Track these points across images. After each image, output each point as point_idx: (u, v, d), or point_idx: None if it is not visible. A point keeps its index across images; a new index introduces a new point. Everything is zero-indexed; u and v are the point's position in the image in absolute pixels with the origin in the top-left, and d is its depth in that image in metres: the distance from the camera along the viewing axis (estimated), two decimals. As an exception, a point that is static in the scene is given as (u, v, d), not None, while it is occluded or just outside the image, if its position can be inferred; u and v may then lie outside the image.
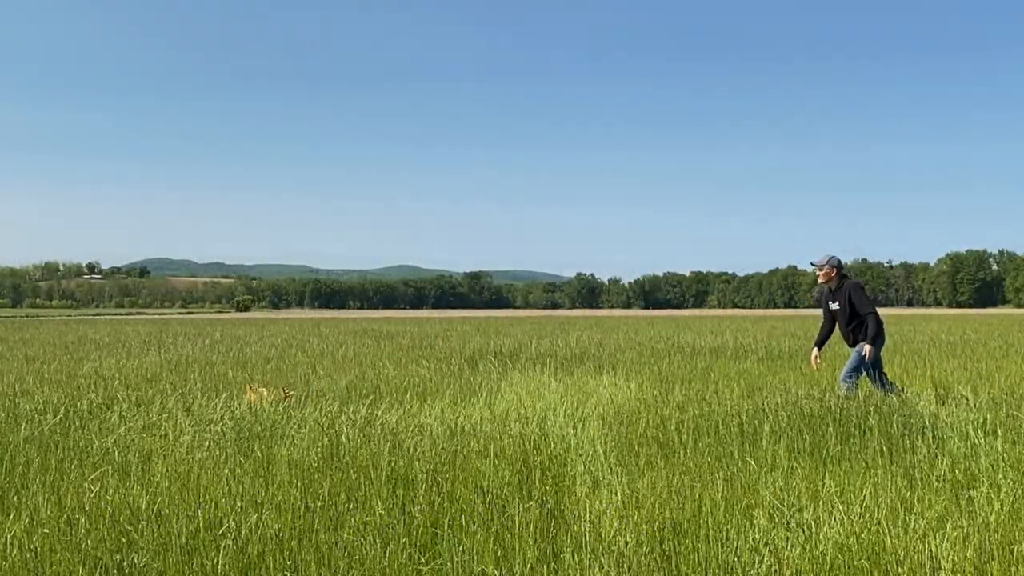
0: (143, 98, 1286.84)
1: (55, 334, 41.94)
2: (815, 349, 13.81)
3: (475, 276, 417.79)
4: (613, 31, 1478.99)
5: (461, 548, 5.73)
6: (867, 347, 12.74)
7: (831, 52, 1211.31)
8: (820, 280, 13.39)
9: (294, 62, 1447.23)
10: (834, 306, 13.23)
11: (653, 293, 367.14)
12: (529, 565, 5.39)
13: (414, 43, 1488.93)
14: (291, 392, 13.46)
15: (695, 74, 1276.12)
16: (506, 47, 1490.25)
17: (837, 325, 13.36)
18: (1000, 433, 9.23)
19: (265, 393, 13.19)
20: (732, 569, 5.38)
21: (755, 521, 6.32)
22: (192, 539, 5.85)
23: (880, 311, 13.12)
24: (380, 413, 11.52)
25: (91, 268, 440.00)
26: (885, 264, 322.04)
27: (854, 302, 12.92)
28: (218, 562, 5.37)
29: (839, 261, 13.26)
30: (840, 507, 6.60)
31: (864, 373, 12.86)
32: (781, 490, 7.25)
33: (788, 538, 5.99)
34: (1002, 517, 6.30)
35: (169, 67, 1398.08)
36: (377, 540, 5.80)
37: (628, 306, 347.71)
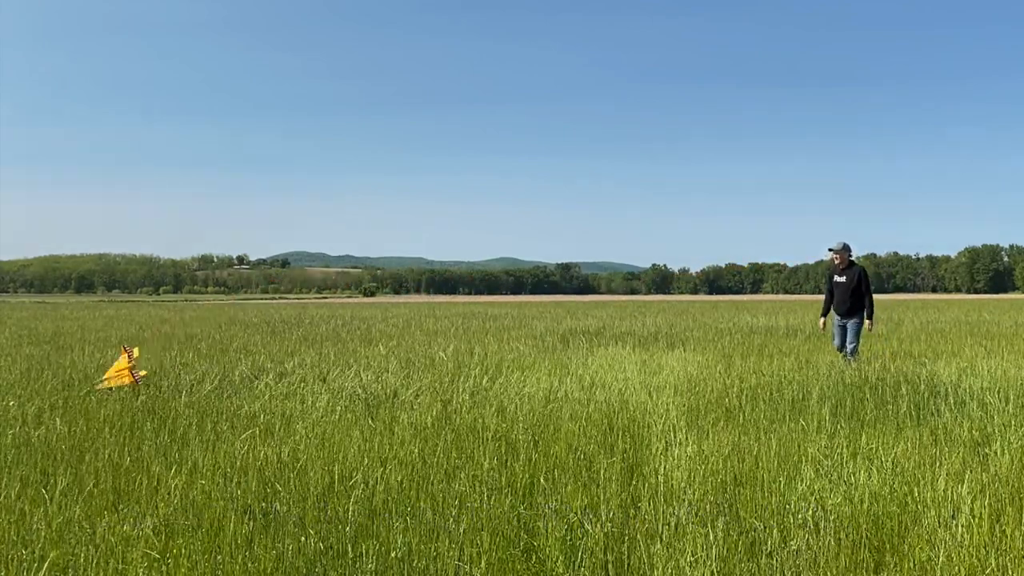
0: (297, 118, 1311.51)
1: (210, 315, 42.75)
2: (822, 318, 15.31)
3: (566, 266, 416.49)
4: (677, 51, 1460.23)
5: (555, 497, 5.77)
6: (868, 322, 14.14)
7: (869, 73, 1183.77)
8: (836, 261, 14.47)
9: (413, 86, 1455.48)
10: (841, 279, 14.39)
11: (717, 281, 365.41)
12: (612, 511, 5.40)
13: (504, 68, 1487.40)
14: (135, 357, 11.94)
15: (762, 95, 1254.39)
16: (580, 66, 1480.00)
17: (835, 296, 14.47)
18: (1011, 398, 9.42)
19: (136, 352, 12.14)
20: (784, 514, 5.38)
21: (803, 474, 6.41)
22: (327, 490, 5.96)
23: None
24: (486, 382, 11.57)
25: (240, 260, 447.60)
26: (913, 256, 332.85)
27: (862, 280, 14.20)
28: (348, 509, 5.45)
29: (850, 247, 14.46)
30: (875, 462, 6.74)
31: (849, 338, 14.18)
32: (826, 448, 7.33)
33: (831, 488, 6.06)
34: (1013, 471, 6.40)
35: (314, 92, 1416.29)
36: (483, 489, 5.86)
37: (695, 292, 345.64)
